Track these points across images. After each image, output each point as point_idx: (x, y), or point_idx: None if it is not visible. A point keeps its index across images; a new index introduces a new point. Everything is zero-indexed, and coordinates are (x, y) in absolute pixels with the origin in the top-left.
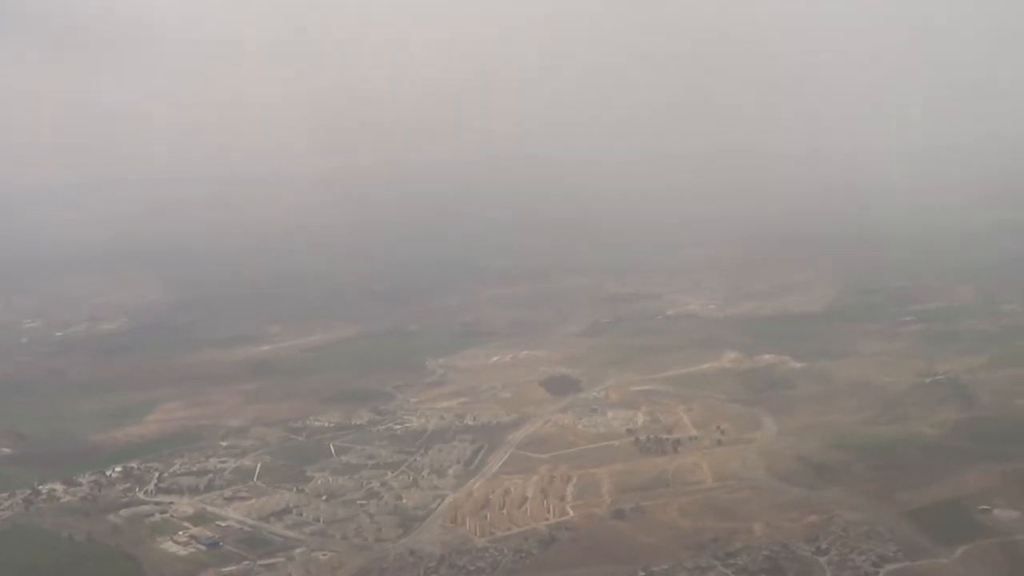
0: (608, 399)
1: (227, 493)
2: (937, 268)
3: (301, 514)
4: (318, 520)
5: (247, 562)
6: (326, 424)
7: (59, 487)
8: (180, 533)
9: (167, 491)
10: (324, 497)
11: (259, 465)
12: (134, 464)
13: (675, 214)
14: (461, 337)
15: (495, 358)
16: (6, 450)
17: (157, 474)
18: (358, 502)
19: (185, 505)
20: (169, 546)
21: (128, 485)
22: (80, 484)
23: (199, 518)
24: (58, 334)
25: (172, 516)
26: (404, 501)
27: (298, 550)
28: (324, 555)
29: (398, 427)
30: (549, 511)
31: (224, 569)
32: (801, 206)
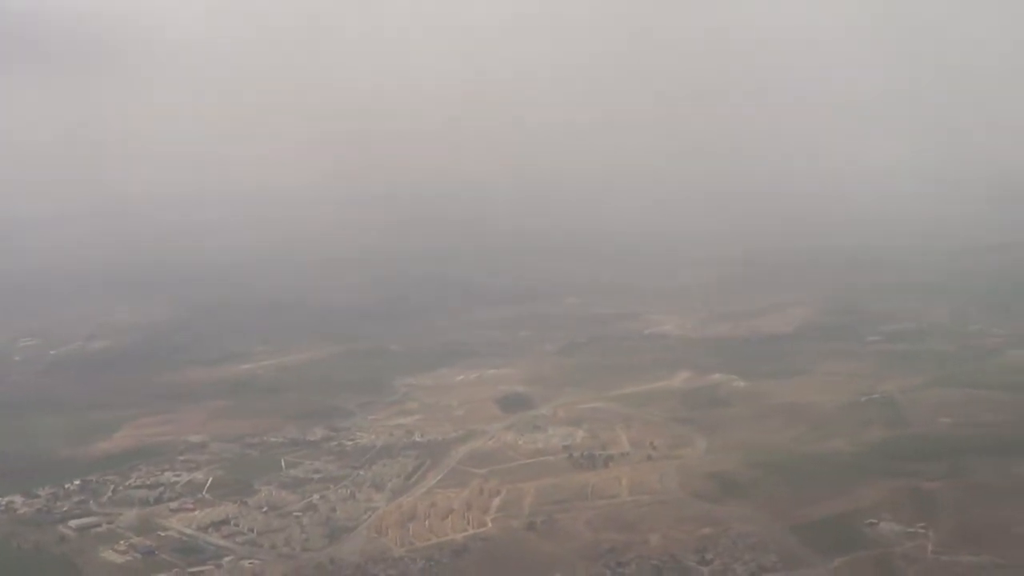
0: (556, 416)
1: (174, 505)
2: (920, 289)
3: (238, 525)
4: (252, 531)
5: (177, 569)
6: (281, 440)
7: (18, 499)
8: (121, 542)
9: (119, 503)
10: (264, 509)
11: (210, 479)
12: (92, 478)
13: (672, 231)
14: (438, 356)
15: (461, 377)
16: None
17: (112, 487)
18: (294, 514)
19: (132, 516)
20: (109, 554)
21: (83, 497)
22: (39, 496)
23: (143, 528)
24: (52, 353)
25: (118, 527)
26: (337, 513)
27: (227, 558)
28: (250, 563)
29: (349, 443)
30: (469, 523)
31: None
32: (796, 224)
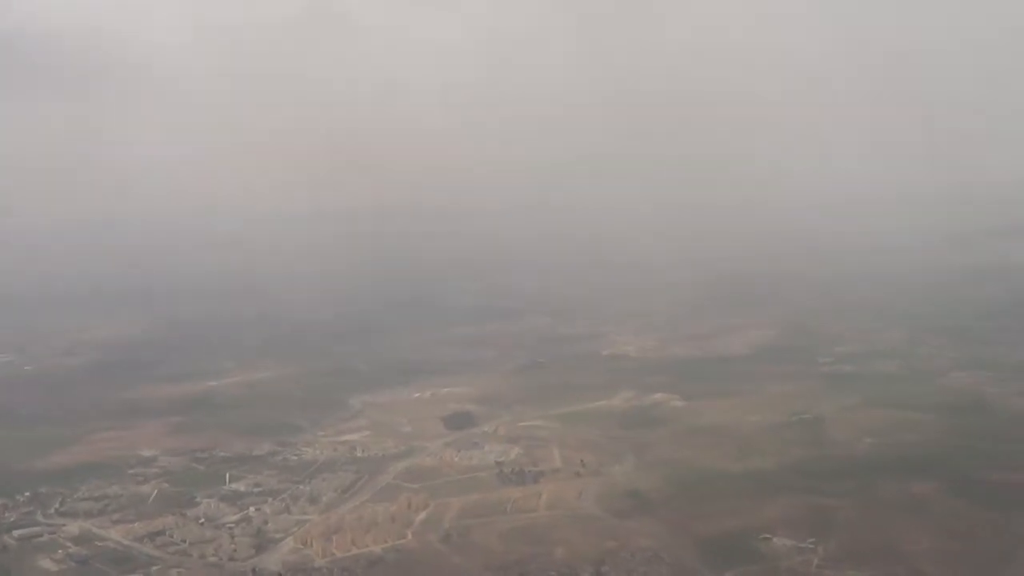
0: (496, 434)
1: (115, 517)
2: (882, 311)
3: (172, 536)
4: (185, 541)
5: None
6: (228, 455)
7: None
8: (59, 552)
9: (64, 514)
10: (201, 521)
11: (155, 492)
12: (43, 490)
13: (649, 249)
14: (399, 375)
15: (417, 395)
16: None
17: (60, 499)
18: (227, 526)
19: (74, 527)
20: (45, 563)
21: (31, 509)
22: None
23: (82, 539)
24: (26, 368)
25: (59, 537)
26: (268, 525)
27: (155, 567)
28: (177, 571)
29: (294, 458)
30: (389, 536)
31: None
32: (770, 243)
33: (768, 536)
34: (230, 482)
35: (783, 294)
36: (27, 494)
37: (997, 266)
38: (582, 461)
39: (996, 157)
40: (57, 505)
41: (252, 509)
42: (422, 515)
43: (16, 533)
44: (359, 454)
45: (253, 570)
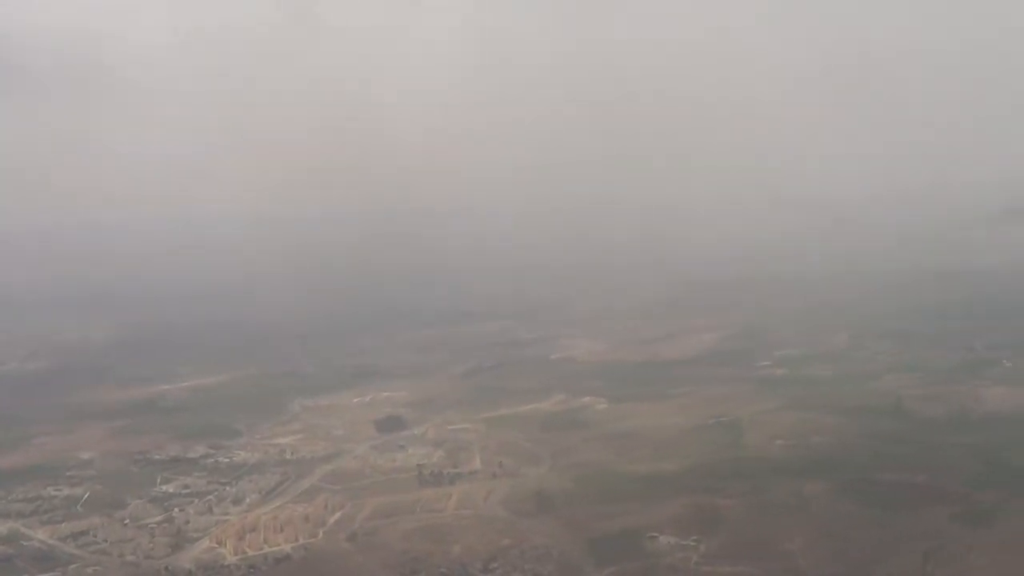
0: (425, 437)
1: (45, 517)
2: (833, 314)
3: (96, 536)
4: (107, 541)
5: (27, 574)
6: (164, 457)
7: None
8: None
9: None
10: (126, 521)
11: (87, 493)
12: None
13: (630, 257)
14: (346, 378)
15: (356, 399)
16: None
17: None
18: (150, 526)
19: (3, 527)
20: None
21: None
22: None
23: (8, 538)
24: None
25: None
26: (189, 525)
27: (73, 565)
28: (91, 569)
29: (225, 460)
30: (301, 534)
31: None
32: (751, 250)
33: (655, 534)
34: (161, 484)
35: (748, 296)
36: None
37: (973, 268)
38: (500, 463)
39: (994, 157)
40: None
41: (176, 510)
42: (336, 515)
43: None
44: (288, 456)
45: (166, 568)
